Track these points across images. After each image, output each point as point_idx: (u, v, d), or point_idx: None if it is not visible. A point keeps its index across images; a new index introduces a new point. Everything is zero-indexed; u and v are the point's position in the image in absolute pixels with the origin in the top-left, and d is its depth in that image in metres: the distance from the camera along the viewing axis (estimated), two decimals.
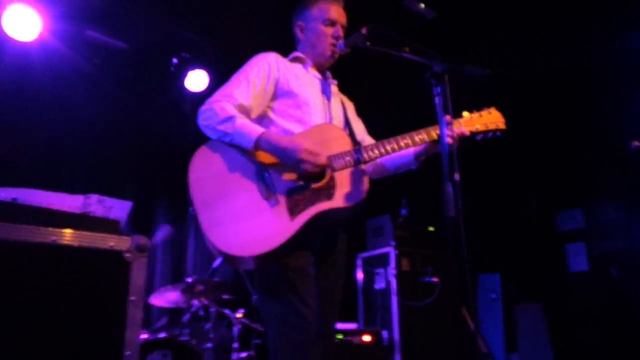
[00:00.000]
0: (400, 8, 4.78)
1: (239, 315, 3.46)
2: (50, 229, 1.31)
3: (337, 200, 2.03)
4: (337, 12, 2.42)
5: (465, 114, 2.31)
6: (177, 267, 4.54)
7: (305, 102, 2.26)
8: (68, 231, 1.35)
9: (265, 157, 2.07)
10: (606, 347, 5.39)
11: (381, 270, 4.77)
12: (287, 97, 2.26)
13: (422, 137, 2.20)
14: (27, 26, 3.90)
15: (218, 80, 4.90)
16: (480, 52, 4.97)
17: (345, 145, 2.15)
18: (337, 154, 2.11)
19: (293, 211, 1.98)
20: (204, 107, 2.15)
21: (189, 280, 3.39)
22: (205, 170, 2.05)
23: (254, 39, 4.46)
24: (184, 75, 4.85)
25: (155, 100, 4.82)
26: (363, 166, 2.15)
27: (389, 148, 2.17)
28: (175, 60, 4.84)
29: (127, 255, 1.41)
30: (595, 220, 6.03)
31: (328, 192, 2.04)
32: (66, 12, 4.08)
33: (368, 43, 2.28)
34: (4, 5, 3.81)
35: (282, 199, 2.00)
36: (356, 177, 2.10)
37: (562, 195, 6.23)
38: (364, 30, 2.28)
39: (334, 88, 2.50)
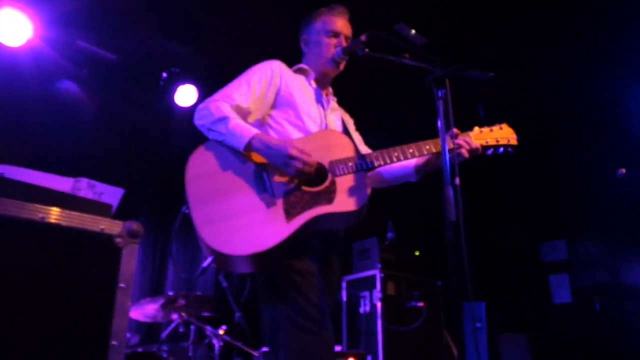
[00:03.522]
0: (391, 32, 4.85)
1: (221, 332, 3.32)
2: (38, 205, 1.23)
3: (337, 205, 2.00)
4: (340, 24, 2.38)
5: (476, 128, 2.27)
6: (156, 279, 4.36)
7: (305, 112, 2.25)
8: (56, 209, 1.26)
9: (259, 158, 2.04)
10: None
11: (366, 294, 4.68)
12: (288, 107, 2.23)
13: (429, 147, 2.16)
14: (17, 31, 3.84)
15: (207, 95, 4.87)
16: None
17: (349, 151, 2.12)
18: (340, 159, 2.08)
19: (289, 213, 1.95)
20: (201, 106, 2.13)
21: (170, 293, 3.26)
22: (202, 168, 2.01)
23: (244, 54, 4.45)
24: (174, 90, 4.83)
25: (144, 112, 4.76)
26: (367, 174, 2.11)
27: (394, 156, 2.14)
28: (164, 75, 4.83)
29: (118, 240, 1.33)
30: (578, 252, 6.06)
31: (328, 196, 2.00)
32: (56, 19, 4.05)
33: (367, 50, 2.28)
34: None
35: (279, 201, 1.97)
36: (358, 184, 2.06)
37: (546, 227, 6.27)
38: (363, 37, 2.26)
39: (333, 103, 2.48)
